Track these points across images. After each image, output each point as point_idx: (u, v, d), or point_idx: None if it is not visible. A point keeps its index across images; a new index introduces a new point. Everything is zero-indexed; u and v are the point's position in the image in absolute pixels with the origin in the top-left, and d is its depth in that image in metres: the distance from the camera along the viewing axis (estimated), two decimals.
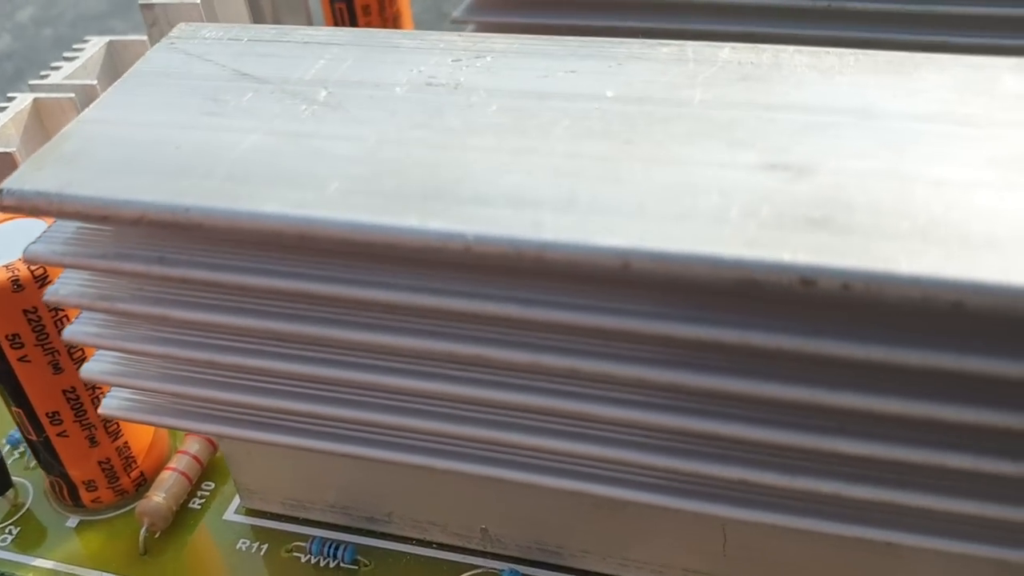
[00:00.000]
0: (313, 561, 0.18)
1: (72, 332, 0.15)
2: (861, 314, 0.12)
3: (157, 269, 0.14)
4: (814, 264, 0.11)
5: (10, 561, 0.19)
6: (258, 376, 0.15)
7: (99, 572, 0.19)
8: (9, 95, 0.21)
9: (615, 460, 0.13)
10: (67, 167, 0.14)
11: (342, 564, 0.18)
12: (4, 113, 0.20)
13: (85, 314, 0.15)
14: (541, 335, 0.13)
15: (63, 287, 0.15)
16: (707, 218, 0.12)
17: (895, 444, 0.12)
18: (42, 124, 0.21)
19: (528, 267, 0.12)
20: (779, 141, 0.13)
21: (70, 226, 0.15)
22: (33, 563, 0.19)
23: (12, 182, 0.14)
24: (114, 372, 0.15)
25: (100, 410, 0.15)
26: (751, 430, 0.13)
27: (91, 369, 0.15)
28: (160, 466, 0.20)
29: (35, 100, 0.21)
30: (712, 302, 0.12)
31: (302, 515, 0.19)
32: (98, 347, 0.15)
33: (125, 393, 0.16)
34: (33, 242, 0.14)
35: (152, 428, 0.20)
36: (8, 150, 0.19)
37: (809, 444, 0.13)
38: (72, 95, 0.21)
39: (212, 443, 0.20)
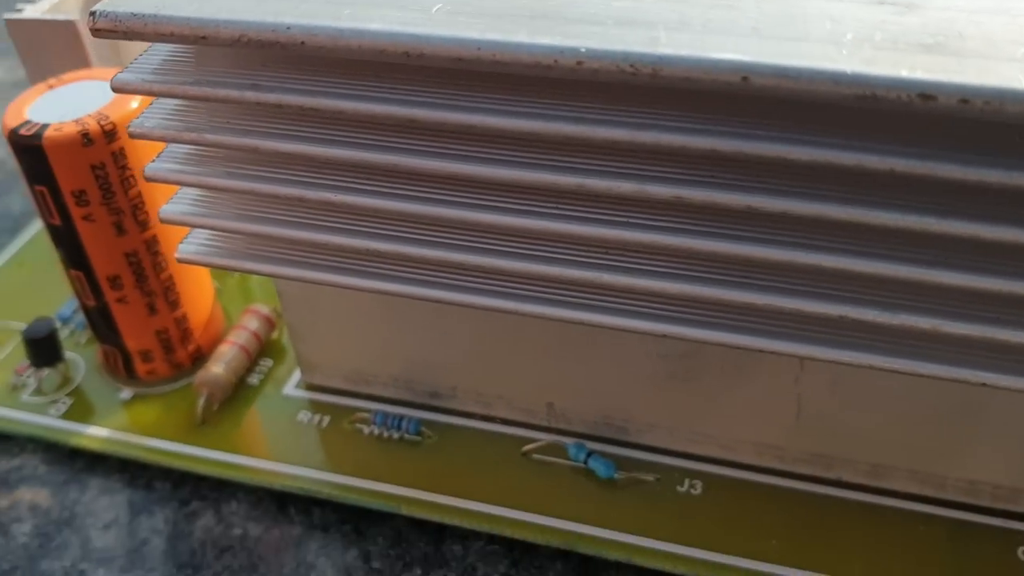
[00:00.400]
0: (376, 433, 0.18)
1: (154, 168, 0.15)
2: (975, 135, 0.12)
3: (251, 95, 0.13)
4: (933, 80, 0.11)
5: (63, 430, 0.19)
6: (344, 215, 0.14)
7: (155, 440, 0.19)
8: None
9: (714, 299, 0.13)
10: None
11: (406, 436, 0.18)
12: None
13: (168, 150, 0.15)
14: (644, 163, 0.13)
15: (148, 119, 0.14)
16: (822, 40, 0.12)
17: (1001, 276, 0.12)
18: None
19: (642, 84, 0.12)
20: None
21: (157, 56, 0.14)
22: (87, 431, 0.19)
23: (106, 5, 0.13)
24: (193, 213, 0.15)
25: (177, 255, 0.15)
26: (857, 262, 0.13)
27: (170, 210, 0.15)
28: (216, 343, 0.20)
29: None
30: (826, 125, 0.12)
31: (364, 390, 0.19)
32: (180, 183, 0.15)
33: (202, 236, 0.15)
34: (121, 71, 0.14)
35: (210, 301, 0.20)
36: (71, 18, 0.19)
37: (914, 277, 0.12)
38: None
39: (270, 321, 0.20)
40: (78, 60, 0.19)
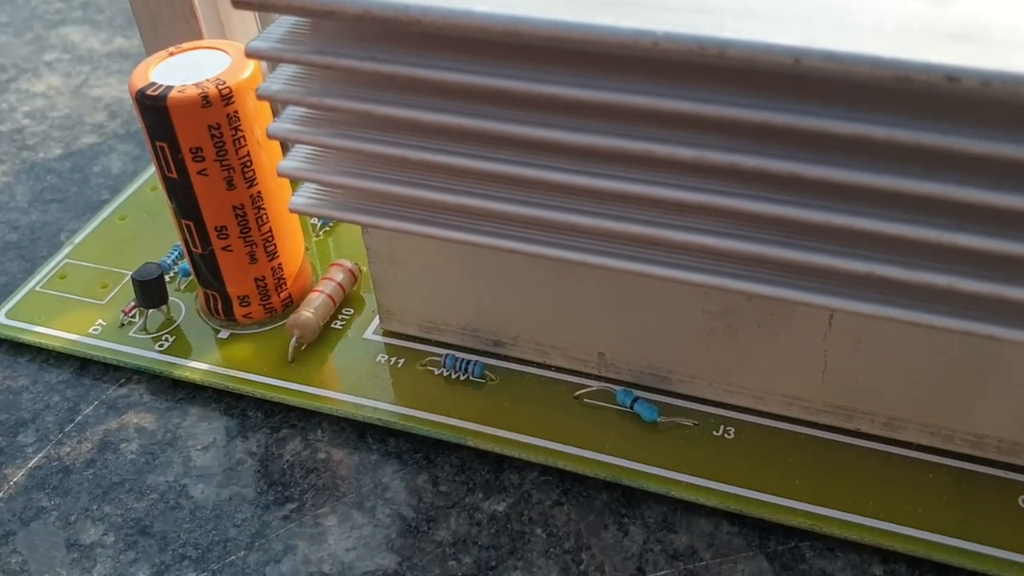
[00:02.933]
0: (446, 374, 0.21)
1: (276, 128, 0.17)
2: (993, 114, 0.14)
3: (368, 65, 0.16)
4: (959, 65, 0.13)
5: (167, 362, 0.21)
6: (440, 174, 0.17)
7: (251, 374, 0.21)
8: None
9: (759, 256, 0.15)
10: None
11: (472, 378, 0.20)
12: None
13: (286, 112, 0.17)
14: (705, 134, 0.15)
15: (274, 84, 0.17)
16: (866, 29, 0.14)
17: (1011, 240, 0.14)
18: None
19: (709, 63, 0.14)
20: None
21: (281, 29, 0.17)
22: (189, 364, 0.21)
23: None
24: (306, 168, 0.17)
25: (289, 206, 0.17)
26: (884, 225, 0.15)
27: (286, 166, 0.17)
28: (305, 292, 0.22)
29: None
30: (865, 103, 0.14)
31: (435, 337, 0.21)
32: (299, 141, 0.17)
33: (311, 189, 0.18)
34: (253, 39, 0.16)
35: (301, 255, 0.22)
36: None
37: (932, 239, 0.14)
38: None
39: (353, 274, 0.22)
40: (191, 31, 0.22)
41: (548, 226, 0.17)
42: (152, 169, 0.27)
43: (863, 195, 0.15)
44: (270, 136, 0.17)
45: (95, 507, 0.19)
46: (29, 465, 0.20)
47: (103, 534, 0.19)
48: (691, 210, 0.16)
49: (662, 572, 0.18)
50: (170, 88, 0.19)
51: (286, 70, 0.17)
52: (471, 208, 0.17)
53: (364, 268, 0.23)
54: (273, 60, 0.16)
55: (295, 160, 0.18)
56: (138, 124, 0.29)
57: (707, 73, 0.15)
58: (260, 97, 0.17)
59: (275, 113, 0.21)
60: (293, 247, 0.22)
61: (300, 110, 0.17)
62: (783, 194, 0.15)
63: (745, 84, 0.14)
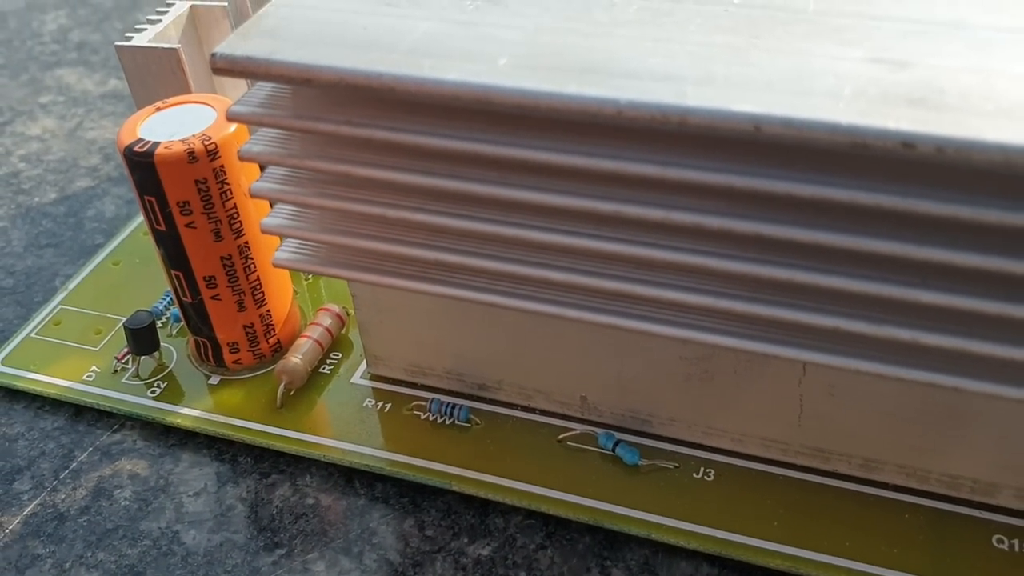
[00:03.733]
0: (431, 419, 0.21)
1: (258, 187, 0.17)
2: (949, 178, 0.14)
3: (345, 129, 0.16)
4: (914, 131, 0.13)
5: (159, 408, 0.22)
6: (417, 232, 0.17)
7: (240, 420, 0.21)
8: (168, 2, 0.24)
9: (728, 311, 0.16)
10: (270, 39, 0.16)
11: (457, 422, 0.21)
12: (166, 17, 0.23)
13: (268, 171, 0.18)
14: (670, 196, 0.15)
15: (255, 145, 0.17)
16: (824, 95, 0.14)
17: (972, 296, 0.15)
18: (196, 30, 0.24)
19: (671, 130, 0.14)
20: (883, 43, 0.15)
21: (261, 93, 0.17)
22: (181, 411, 0.22)
23: (224, 48, 0.16)
24: (288, 225, 0.18)
25: (273, 261, 0.18)
26: (849, 283, 0.15)
27: (269, 223, 0.18)
28: (293, 337, 0.23)
29: (191, 7, 0.23)
30: (825, 166, 0.14)
31: (421, 381, 0.22)
32: (281, 200, 0.17)
33: (295, 245, 0.18)
34: (234, 103, 0.17)
35: (289, 301, 0.22)
36: (174, 46, 0.22)
37: (896, 296, 0.15)
38: (225, 3, 0.23)
39: (341, 319, 0.23)
40: (179, 85, 0.22)
41: (524, 281, 0.17)
42: None
43: (827, 254, 0.15)
44: (253, 195, 0.17)
45: (89, 554, 0.20)
46: (24, 512, 0.21)
47: None
48: (661, 266, 0.16)
49: None
50: (157, 144, 0.20)
51: (267, 131, 0.17)
52: (448, 264, 0.17)
53: (351, 312, 0.23)
54: (253, 124, 0.17)
55: (278, 217, 0.18)
56: None
57: (671, 138, 0.15)
58: (242, 158, 0.17)
59: (262, 166, 0.21)
60: (281, 293, 0.22)
61: (282, 169, 0.18)
62: (749, 252, 0.15)
63: (708, 148, 0.15)
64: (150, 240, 0.26)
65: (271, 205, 0.22)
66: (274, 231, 0.18)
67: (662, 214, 0.15)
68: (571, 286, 0.17)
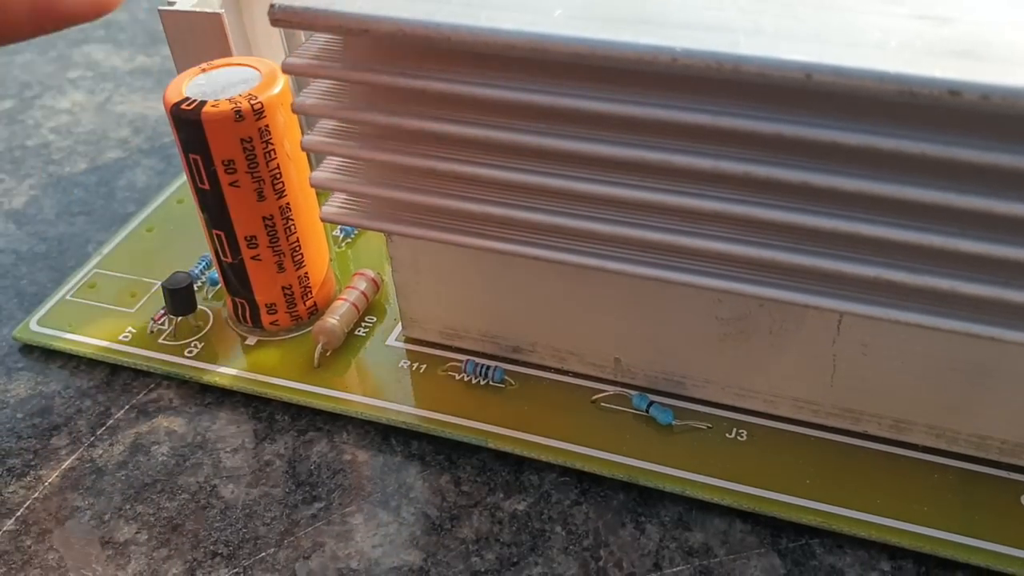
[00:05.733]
0: (466, 379, 0.21)
1: (309, 140, 0.18)
2: (991, 126, 0.14)
3: (400, 80, 0.16)
4: (960, 79, 0.14)
5: (196, 367, 0.22)
6: (465, 185, 0.17)
7: (278, 379, 0.22)
8: None
9: (771, 262, 0.16)
10: None
11: (491, 383, 0.21)
12: None
13: (319, 125, 0.18)
14: (720, 145, 0.16)
15: (308, 98, 0.17)
16: (872, 46, 0.15)
17: (1011, 245, 0.15)
18: None
19: (724, 78, 0.15)
20: (927, 0, 0.16)
21: (315, 46, 0.17)
22: (218, 370, 0.22)
23: None
24: (337, 179, 0.18)
25: (321, 215, 0.18)
26: (891, 232, 0.15)
27: (318, 176, 0.18)
28: (329, 301, 0.23)
29: None
30: (870, 115, 0.15)
31: (455, 343, 0.22)
32: (330, 153, 0.18)
33: (342, 199, 0.19)
34: (290, 56, 0.17)
35: (326, 264, 0.23)
36: (217, 11, 0.22)
37: (936, 244, 0.15)
38: None
39: (376, 283, 0.23)
40: (221, 49, 0.23)
41: (570, 234, 0.17)
42: (177, 183, 0.28)
43: (870, 203, 0.16)
44: (304, 148, 0.18)
45: (128, 507, 0.20)
46: (63, 467, 0.21)
47: (136, 532, 0.20)
48: (706, 217, 0.16)
49: (678, 568, 0.18)
50: (204, 103, 0.20)
51: (319, 85, 0.18)
52: (496, 217, 0.17)
53: (385, 278, 0.24)
54: (308, 76, 0.17)
55: (327, 171, 0.18)
56: (161, 139, 0.30)
57: (722, 87, 0.15)
58: (295, 111, 0.17)
59: (303, 129, 0.21)
60: (319, 257, 0.22)
61: (331, 123, 0.18)
62: (794, 202, 0.16)
63: (758, 98, 0.15)
64: (185, 206, 0.27)
65: (311, 165, 0.22)
66: (323, 185, 0.18)
67: (711, 163, 0.16)
68: (616, 238, 0.17)
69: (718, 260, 0.17)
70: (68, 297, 0.24)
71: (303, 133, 0.19)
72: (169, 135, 0.30)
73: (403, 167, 0.18)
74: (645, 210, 0.17)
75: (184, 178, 0.28)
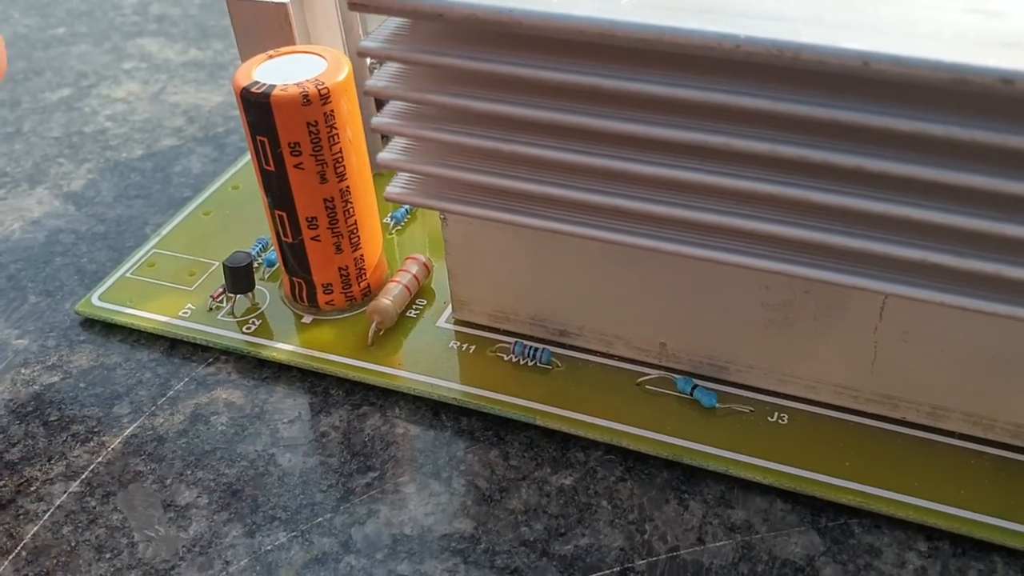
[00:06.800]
0: (514, 360, 0.22)
1: (378, 121, 0.19)
2: None
3: (471, 64, 0.17)
4: (1013, 68, 0.15)
5: (254, 343, 0.23)
6: (527, 166, 0.18)
7: (333, 355, 0.22)
8: None
9: (822, 244, 0.17)
10: None
11: (539, 364, 0.22)
12: None
13: (387, 107, 0.19)
14: (777, 130, 0.16)
15: (379, 80, 0.18)
16: (927, 37, 0.15)
17: None
18: None
19: (784, 64, 0.15)
20: None
21: (387, 30, 0.18)
22: (275, 346, 0.23)
23: None
24: (403, 160, 0.19)
25: (386, 195, 0.19)
26: (939, 215, 0.16)
27: (385, 157, 0.19)
28: (382, 283, 0.24)
29: None
30: (924, 103, 0.16)
31: (504, 326, 0.23)
32: (399, 134, 0.18)
33: (406, 179, 0.19)
34: (364, 39, 0.18)
35: (380, 248, 0.24)
36: (283, 1, 0.23)
37: (982, 228, 0.16)
38: None
39: (427, 267, 0.24)
40: (284, 38, 0.23)
41: (628, 215, 0.18)
42: (232, 170, 0.29)
43: (920, 188, 0.16)
44: (373, 128, 0.19)
45: (189, 472, 0.21)
46: (125, 434, 0.22)
47: (197, 496, 0.20)
48: (762, 200, 0.17)
49: (721, 543, 0.19)
50: (273, 87, 0.21)
51: (388, 69, 0.19)
52: (557, 198, 0.18)
53: (436, 263, 0.24)
54: (381, 58, 0.18)
55: (393, 152, 0.19)
56: (215, 129, 0.31)
57: (782, 74, 0.16)
58: (367, 93, 0.18)
59: (363, 116, 0.22)
60: (373, 241, 0.23)
61: (398, 106, 0.19)
62: (847, 186, 0.17)
63: (816, 85, 0.16)
64: (241, 192, 0.28)
65: (371, 153, 0.23)
66: (390, 164, 0.19)
67: (769, 147, 0.16)
68: (675, 220, 0.18)
69: (771, 242, 0.18)
70: (128, 275, 0.25)
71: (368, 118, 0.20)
72: (223, 125, 0.31)
73: (467, 148, 0.18)
74: (703, 193, 0.18)
75: (238, 166, 0.29)
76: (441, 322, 0.23)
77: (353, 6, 0.17)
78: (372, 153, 0.24)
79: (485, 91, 0.18)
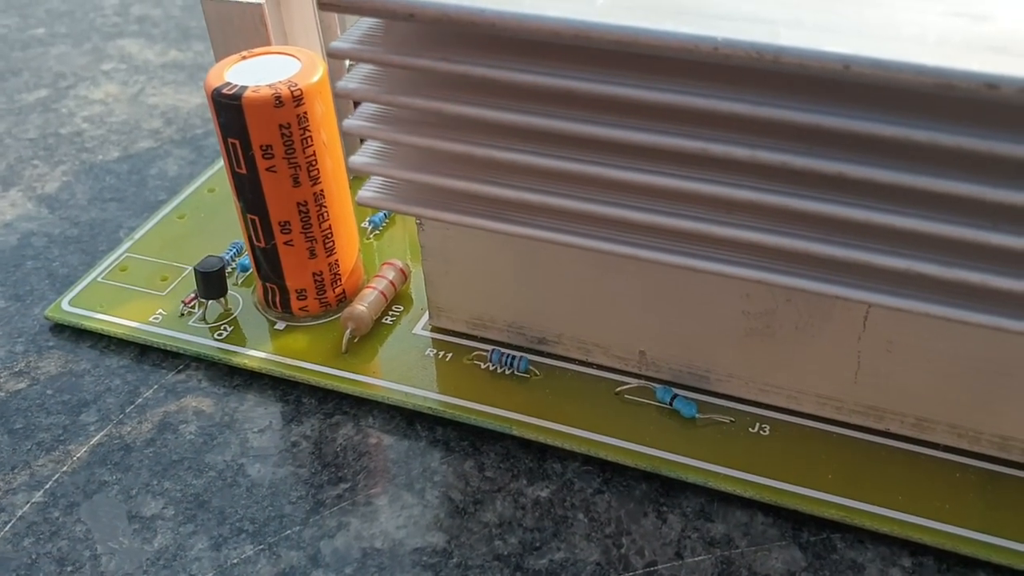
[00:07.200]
0: (491, 368, 0.22)
1: (350, 124, 0.18)
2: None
3: (443, 65, 0.17)
4: (998, 73, 0.14)
5: (225, 350, 0.22)
6: (504, 172, 0.18)
7: (306, 363, 0.22)
8: None
9: (804, 252, 0.16)
10: None
11: (516, 372, 0.21)
12: None
13: (360, 110, 0.18)
14: (755, 135, 0.16)
15: (350, 82, 0.18)
16: (910, 40, 0.15)
17: None
18: None
19: (764, 68, 0.15)
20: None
21: (359, 31, 0.18)
22: (246, 353, 0.22)
23: None
24: (376, 163, 0.18)
25: (357, 198, 0.19)
26: (925, 224, 0.16)
27: (357, 161, 0.18)
28: (358, 289, 0.23)
29: None
30: (906, 108, 0.15)
31: (481, 333, 0.22)
32: (371, 137, 0.18)
33: (379, 183, 0.19)
34: (336, 40, 0.18)
35: (356, 252, 0.23)
36: (258, 2, 0.23)
37: (967, 237, 0.15)
38: None
39: (404, 273, 0.23)
40: (259, 39, 0.23)
41: (604, 221, 0.18)
42: (208, 172, 0.28)
43: (904, 195, 0.16)
44: (345, 131, 0.18)
45: (155, 482, 0.20)
46: (91, 442, 0.21)
47: (163, 507, 0.20)
48: (741, 207, 0.17)
49: (699, 557, 0.18)
50: (244, 88, 0.20)
51: (361, 70, 0.18)
52: (533, 204, 0.18)
53: (413, 269, 0.24)
54: (352, 59, 0.17)
55: (365, 155, 0.19)
56: (193, 131, 0.30)
57: (761, 78, 0.16)
58: (338, 94, 0.18)
59: (339, 119, 0.22)
60: (349, 245, 0.23)
61: (371, 109, 0.19)
62: (829, 193, 0.16)
63: (796, 89, 0.16)
64: (216, 195, 0.27)
65: (346, 155, 0.23)
66: (361, 168, 0.18)
67: (748, 152, 0.16)
68: (651, 226, 0.17)
69: (751, 250, 0.17)
70: (99, 279, 0.25)
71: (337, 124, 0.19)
72: (200, 127, 0.31)
73: (440, 152, 0.18)
74: (682, 199, 0.17)
75: (215, 168, 0.28)
76: (418, 329, 0.23)
77: (323, 6, 0.17)
78: (348, 156, 0.24)
79: (459, 94, 0.17)
